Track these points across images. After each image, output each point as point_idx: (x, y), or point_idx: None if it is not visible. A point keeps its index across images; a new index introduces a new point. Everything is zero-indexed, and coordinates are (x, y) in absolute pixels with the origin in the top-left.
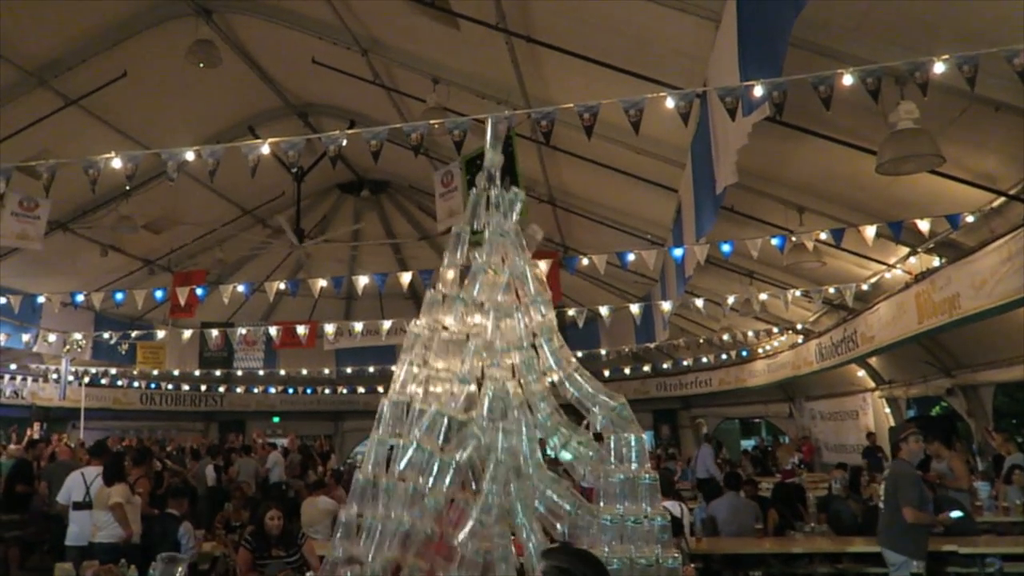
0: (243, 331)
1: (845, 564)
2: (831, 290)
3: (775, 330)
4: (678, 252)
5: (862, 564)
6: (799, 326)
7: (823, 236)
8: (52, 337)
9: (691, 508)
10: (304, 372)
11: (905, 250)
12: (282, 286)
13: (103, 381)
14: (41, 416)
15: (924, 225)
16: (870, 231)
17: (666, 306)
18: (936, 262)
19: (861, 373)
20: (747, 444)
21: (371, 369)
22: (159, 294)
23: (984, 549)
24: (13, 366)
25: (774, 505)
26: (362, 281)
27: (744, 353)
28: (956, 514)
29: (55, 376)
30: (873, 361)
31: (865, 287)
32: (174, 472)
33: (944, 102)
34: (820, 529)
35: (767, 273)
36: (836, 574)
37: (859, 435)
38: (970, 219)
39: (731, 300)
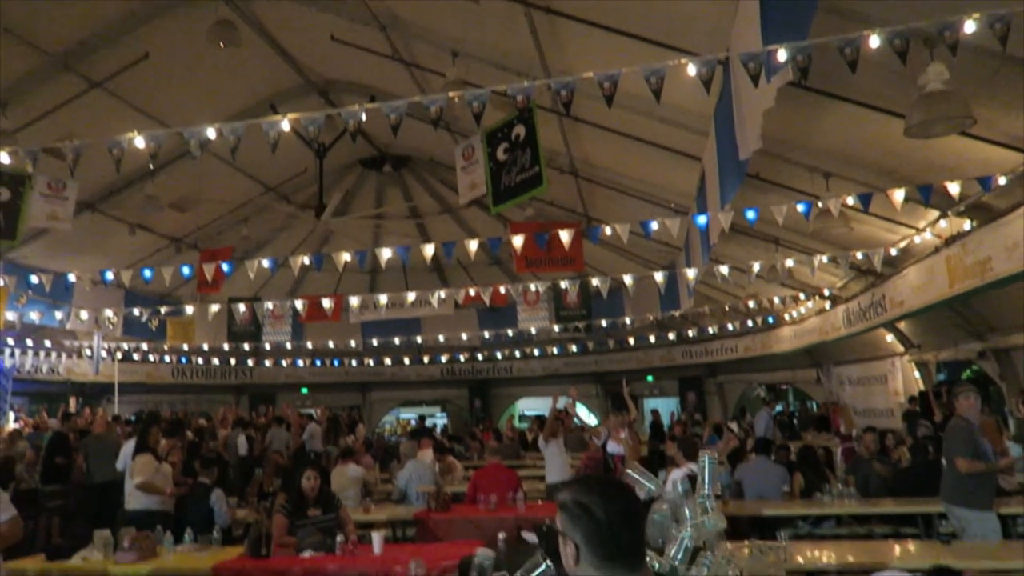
0: (270, 305)
1: (872, 525)
2: (859, 255)
3: (802, 296)
4: (702, 220)
5: (890, 525)
6: (826, 292)
7: (850, 201)
8: (84, 314)
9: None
10: (331, 345)
11: (935, 214)
12: (306, 261)
13: (135, 356)
14: (77, 391)
15: (954, 188)
16: (898, 195)
17: (691, 274)
18: (967, 226)
19: (890, 338)
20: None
21: (396, 341)
22: (186, 270)
23: (1014, 510)
24: (48, 343)
25: (800, 468)
26: (386, 254)
27: (770, 320)
28: (1017, 450)
29: (88, 352)
30: (902, 325)
31: (894, 252)
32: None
33: (975, 63)
34: (847, 491)
35: (793, 239)
36: (864, 535)
37: (887, 399)
38: (1002, 181)
39: (756, 267)
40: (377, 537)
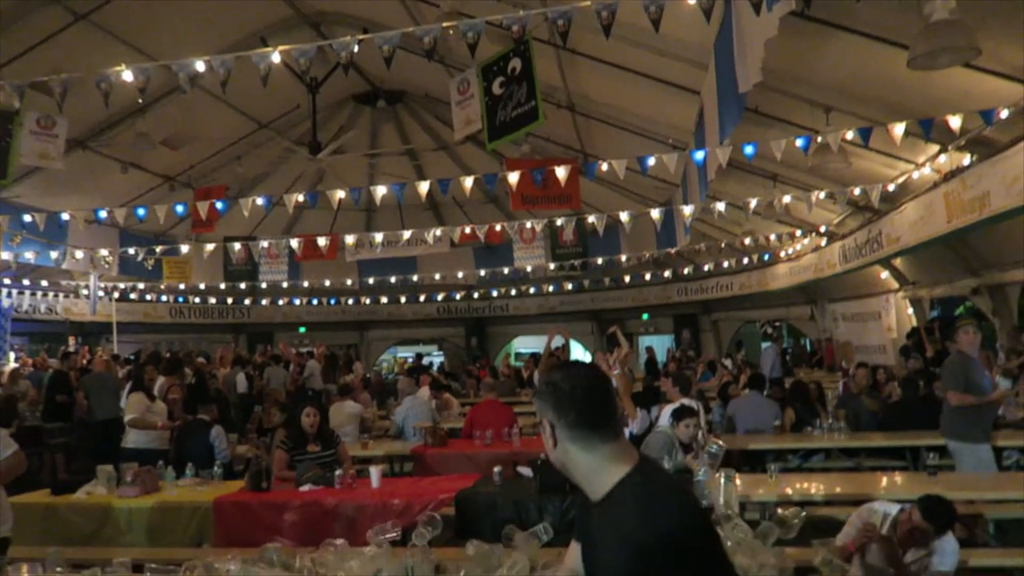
0: (265, 244)
1: (861, 459)
2: (856, 191)
3: (798, 233)
4: (699, 156)
5: (878, 459)
6: (823, 228)
7: (849, 136)
8: (79, 254)
9: (709, 408)
10: (327, 283)
11: (935, 148)
12: (301, 199)
13: (132, 296)
14: (76, 331)
15: (955, 122)
16: (899, 129)
17: (687, 211)
18: (967, 160)
19: (885, 274)
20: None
21: (392, 279)
22: (180, 209)
23: (1004, 443)
24: (45, 283)
25: (791, 403)
26: (380, 191)
27: (766, 257)
28: (1007, 384)
29: (85, 292)
30: (897, 262)
31: (892, 187)
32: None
33: None
34: (837, 426)
35: (791, 175)
36: (853, 468)
37: (881, 336)
38: (1005, 114)
39: (753, 204)
40: (375, 471)
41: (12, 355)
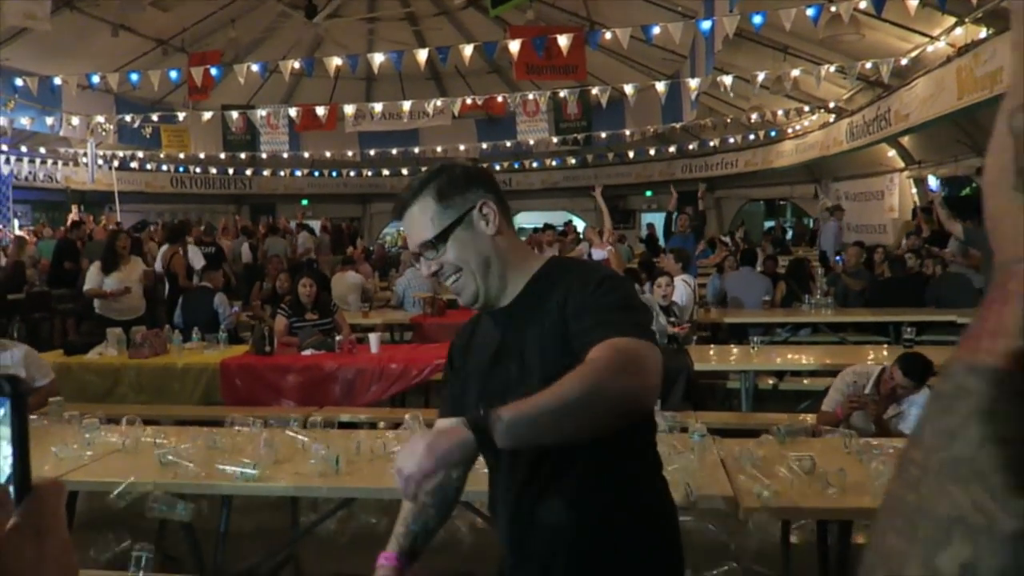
0: (263, 113)
1: (846, 334)
2: (867, 65)
3: (806, 109)
4: (706, 25)
5: (864, 334)
6: (831, 104)
7: (863, 5)
8: (76, 120)
9: (702, 284)
10: (328, 155)
11: (951, 21)
12: (297, 66)
13: (133, 165)
14: (78, 199)
15: None
16: None
17: (693, 83)
18: (982, 34)
19: (891, 153)
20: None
21: (394, 152)
22: (174, 75)
23: None
24: (43, 150)
25: (785, 280)
26: (378, 59)
27: (772, 133)
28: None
29: (85, 160)
30: (905, 141)
31: (904, 61)
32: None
33: None
34: (824, 302)
35: (801, 47)
36: (837, 342)
37: (882, 215)
38: None
39: (761, 77)
40: (374, 338)
41: (16, 223)
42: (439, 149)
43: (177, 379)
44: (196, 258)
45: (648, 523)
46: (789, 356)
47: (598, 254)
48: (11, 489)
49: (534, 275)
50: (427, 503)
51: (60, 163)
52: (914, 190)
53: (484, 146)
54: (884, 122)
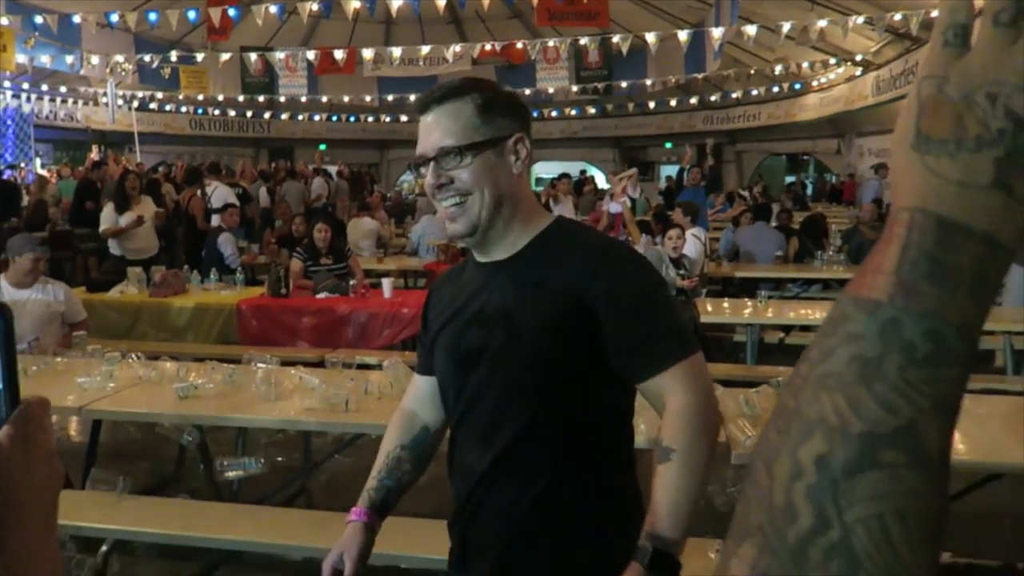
0: (282, 55)
1: None
2: (896, 16)
3: (832, 61)
4: None
5: None
6: (858, 57)
7: None
8: (95, 59)
9: (716, 238)
10: (346, 100)
11: None
12: (315, 7)
13: (152, 106)
14: (98, 139)
15: None
16: None
17: (717, 33)
18: None
19: None
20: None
21: (412, 97)
22: (192, 15)
23: None
24: (64, 89)
25: (799, 235)
26: (396, 2)
27: (797, 86)
28: None
29: (105, 100)
30: None
31: (935, 13)
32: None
33: None
34: (836, 258)
35: None
36: None
37: None
38: None
39: (787, 28)
40: (387, 283)
41: (38, 161)
42: None
43: (196, 318)
44: (229, 197)
45: (601, 498)
46: (797, 312)
47: (614, 208)
48: (2, 403)
49: (539, 234)
50: (403, 458)
51: (80, 102)
52: None
53: None
54: (912, 76)
